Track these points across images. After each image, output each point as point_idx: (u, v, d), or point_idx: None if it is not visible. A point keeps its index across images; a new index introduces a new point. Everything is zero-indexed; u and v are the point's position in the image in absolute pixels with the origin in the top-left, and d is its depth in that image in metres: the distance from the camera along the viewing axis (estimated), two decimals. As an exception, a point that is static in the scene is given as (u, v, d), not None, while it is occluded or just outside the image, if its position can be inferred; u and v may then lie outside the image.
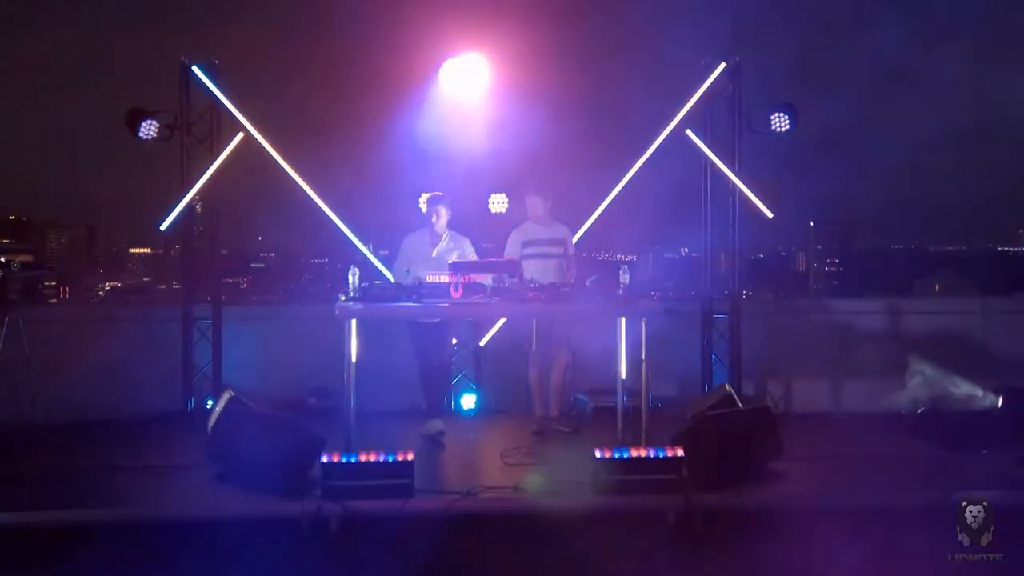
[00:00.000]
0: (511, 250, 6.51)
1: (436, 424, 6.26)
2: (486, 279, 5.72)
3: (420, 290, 5.50)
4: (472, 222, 7.05)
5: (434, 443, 6.14)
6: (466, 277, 5.51)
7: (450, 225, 6.35)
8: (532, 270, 6.30)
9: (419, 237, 6.34)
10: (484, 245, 6.93)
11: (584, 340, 6.54)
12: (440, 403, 6.50)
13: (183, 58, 7.18)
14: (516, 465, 5.54)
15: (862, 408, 7.22)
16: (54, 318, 7.26)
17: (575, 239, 6.99)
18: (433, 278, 5.58)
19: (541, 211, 6.55)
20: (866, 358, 7.52)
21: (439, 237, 6.29)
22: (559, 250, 6.55)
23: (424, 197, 6.98)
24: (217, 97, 7.20)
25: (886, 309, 7.94)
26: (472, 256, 6.28)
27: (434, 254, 6.21)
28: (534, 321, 6.46)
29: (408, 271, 6.16)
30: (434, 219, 6.28)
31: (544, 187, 6.61)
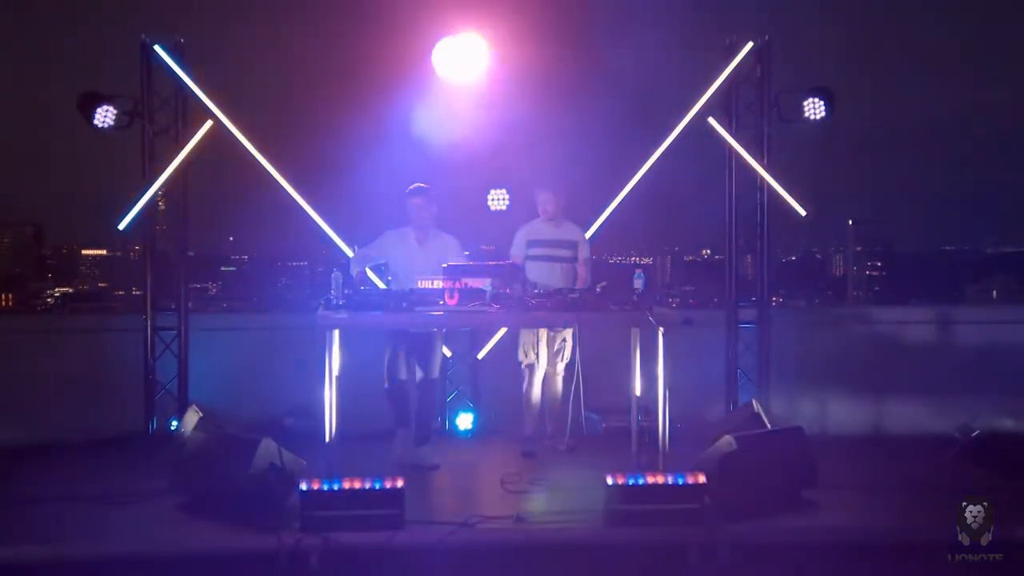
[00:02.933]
0: (516, 250, 6.57)
1: (428, 455, 6.25)
2: (485, 284, 5.73)
3: (410, 297, 5.52)
4: (470, 220, 7.08)
5: (424, 471, 6.16)
6: (462, 282, 5.53)
7: (439, 224, 6.37)
8: (536, 273, 6.33)
9: (401, 235, 6.36)
10: (483, 247, 6.97)
11: (593, 353, 6.58)
12: (428, 427, 6.46)
13: (144, 36, 7.21)
14: (518, 492, 5.57)
15: (908, 430, 7.24)
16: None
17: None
18: (425, 283, 5.60)
19: (553, 209, 6.60)
20: (913, 374, 7.53)
21: (425, 235, 6.31)
22: (569, 253, 6.59)
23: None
24: (182, 80, 7.23)
25: (935, 318, 7.96)
26: (460, 258, 6.29)
27: (419, 254, 6.21)
28: (538, 331, 6.49)
29: (381, 268, 6.21)
30: (418, 215, 6.28)
31: (556, 182, 6.66)
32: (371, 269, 6.65)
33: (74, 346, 7.39)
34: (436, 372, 6.40)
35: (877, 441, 7.31)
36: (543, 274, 6.38)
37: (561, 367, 6.67)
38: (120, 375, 7.20)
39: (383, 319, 5.53)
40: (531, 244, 6.56)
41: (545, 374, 6.68)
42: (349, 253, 7.12)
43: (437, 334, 6.33)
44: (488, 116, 7.21)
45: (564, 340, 6.64)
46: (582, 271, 6.63)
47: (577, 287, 6.31)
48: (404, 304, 5.48)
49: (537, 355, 6.62)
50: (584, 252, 6.71)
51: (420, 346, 6.28)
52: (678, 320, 5.62)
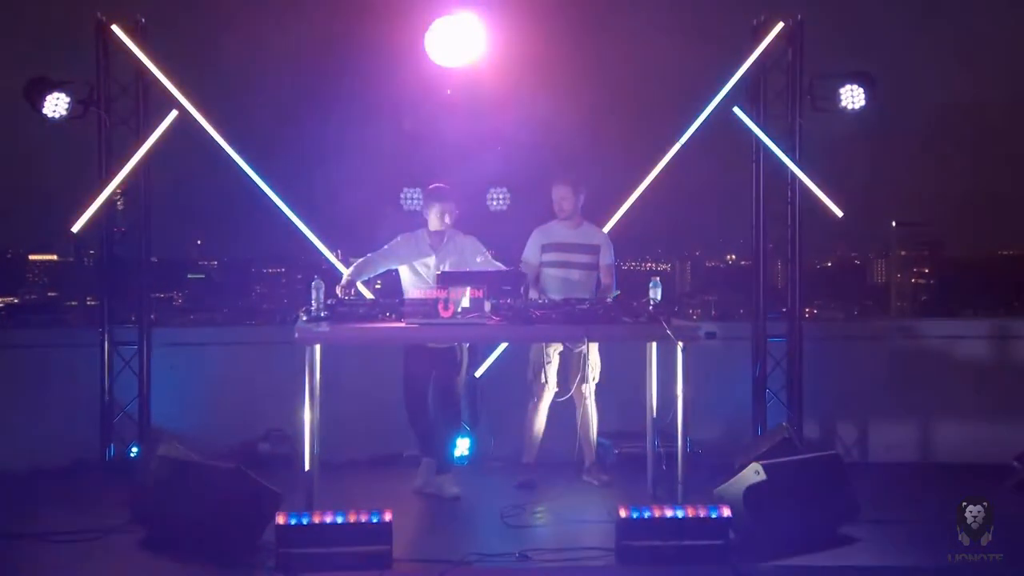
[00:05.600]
0: (530, 255, 6.57)
1: (448, 484, 6.28)
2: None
3: (400, 308, 5.54)
4: (467, 222, 7.09)
5: (433, 500, 6.20)
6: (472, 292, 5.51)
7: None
8: (552, 282, 6.35)
9: (414, 240, 6.39)
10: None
11: (605, 370, 6.59)
12: (448, 452, 6.50)
13: (100, 15, 7.23)
14: (520, 527, 5.59)
15: (958, 458, 7.25)
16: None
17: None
18: (419, 293, 5.62)
19: (570, 207, 6.57)
20: (965, 395, 7.54)
21: (441, 239, 6.34)
22: (589, 259, 6.57)
23: (407, 193, 7.05)
24: (144, 64, 7.25)
25: (990, 332, 7.96)
26: (488, 261, 6.28)
27: (436, 263, 6.23)
28: (549, 347, 6.48)
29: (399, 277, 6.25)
30: (435, 218, 6.30)
31: (576, 176, 6.64)
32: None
33: (20, 363, 7.39)
34: (459, 392, 6.42)
35: (924, 470, 7.31)
36: (558, 283, 6.38)
37: (589, 389, 6.51)
38: (73, 396, 7.20)
39: (369, 333, 5.55)
40: (545, 249, 6.56)
41: (573, 400, 6.50)
42: (330, 257, 7.13)
43: (459, 347, 6.32)
44: (487, 106, 7.24)
45: (585, 357, 6.34)
46: (606, 278, 6.57)
47: (600, 297, 6.29)
48: (392, 316, 5.50)
49: (547, 376, 6.54)
50: (608, 257, 6.63)
51: (439, 362, 6.29)
52: (699, 333, 5.63)
